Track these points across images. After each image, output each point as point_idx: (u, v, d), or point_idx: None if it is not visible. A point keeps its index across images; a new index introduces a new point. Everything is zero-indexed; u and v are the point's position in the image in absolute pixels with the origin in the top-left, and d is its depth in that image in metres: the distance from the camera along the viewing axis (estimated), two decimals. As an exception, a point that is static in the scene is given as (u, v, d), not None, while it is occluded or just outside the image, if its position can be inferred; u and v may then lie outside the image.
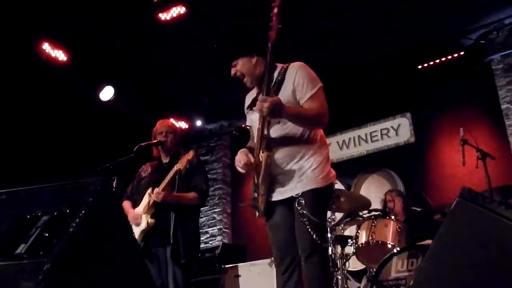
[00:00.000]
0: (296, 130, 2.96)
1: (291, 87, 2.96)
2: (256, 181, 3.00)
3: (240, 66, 3.08)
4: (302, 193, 2.88)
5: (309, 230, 2.79)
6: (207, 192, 4.22)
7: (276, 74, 3.01)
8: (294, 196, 2.91)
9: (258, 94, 3.05)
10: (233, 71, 3.11)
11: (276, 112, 2.79)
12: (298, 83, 2.94)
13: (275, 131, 2.96)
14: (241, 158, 3.00)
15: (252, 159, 2.96)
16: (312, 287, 2.82)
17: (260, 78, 2.98)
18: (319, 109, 2.93)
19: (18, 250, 1.78)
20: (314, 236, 2.78)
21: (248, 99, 3.27)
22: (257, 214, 3.06)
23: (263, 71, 2.93)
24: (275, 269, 4.85)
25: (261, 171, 2.91)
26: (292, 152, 2.95)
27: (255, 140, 3.02)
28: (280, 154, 2.95)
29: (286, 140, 2.96)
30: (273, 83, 2.98)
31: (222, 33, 5.97)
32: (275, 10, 2.79)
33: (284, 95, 2.95)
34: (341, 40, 6.33)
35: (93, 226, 1.87)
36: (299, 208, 2.85)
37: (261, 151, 2.91)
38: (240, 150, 3.10)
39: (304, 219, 2.82)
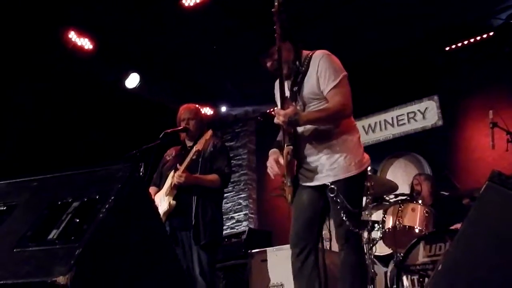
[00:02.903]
0: None
1: (314, 77, 2.92)
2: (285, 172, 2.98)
3: (283, 52, 2.90)
4: (335, 181, 2.85)
5: (344, 218, 2.78)
6: (229, 175, 4.22)
7: (301, 63, 2.98)
8: (327, 184, 2.87)
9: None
10: (269, 62, 3.00)
11: (293, 123, 2.81)
12: (320, 73, 2.90)
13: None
14: (270, 164, 3.01)
15: (281, 161, 2.94)
16: (348, 274, 2.85)
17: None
18: (340, 101, 2.87)
19: (51, 236, 1.82)
20: (348, 224, 2.78)
21: (277, 86, 3.26)
22: (289, 200, 3.04)
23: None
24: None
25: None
26: (321, 141, 2.92)
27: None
28: (308, 145, 2.93)
29: (313, 131, 2.93)
30: (297, 73, 2.96)
31: (244, 19, 5.96)
32: (275, 18, 2.78)
33: (309, 85, 2.94)
34: (368, 22, 6.23)
35: (122, 211, 1.90)
36: (333, 196, 2.82)
37: (285, 145, 2.89)
38: (271, 152, 3.08)
39: (338, 207, 2.80)
